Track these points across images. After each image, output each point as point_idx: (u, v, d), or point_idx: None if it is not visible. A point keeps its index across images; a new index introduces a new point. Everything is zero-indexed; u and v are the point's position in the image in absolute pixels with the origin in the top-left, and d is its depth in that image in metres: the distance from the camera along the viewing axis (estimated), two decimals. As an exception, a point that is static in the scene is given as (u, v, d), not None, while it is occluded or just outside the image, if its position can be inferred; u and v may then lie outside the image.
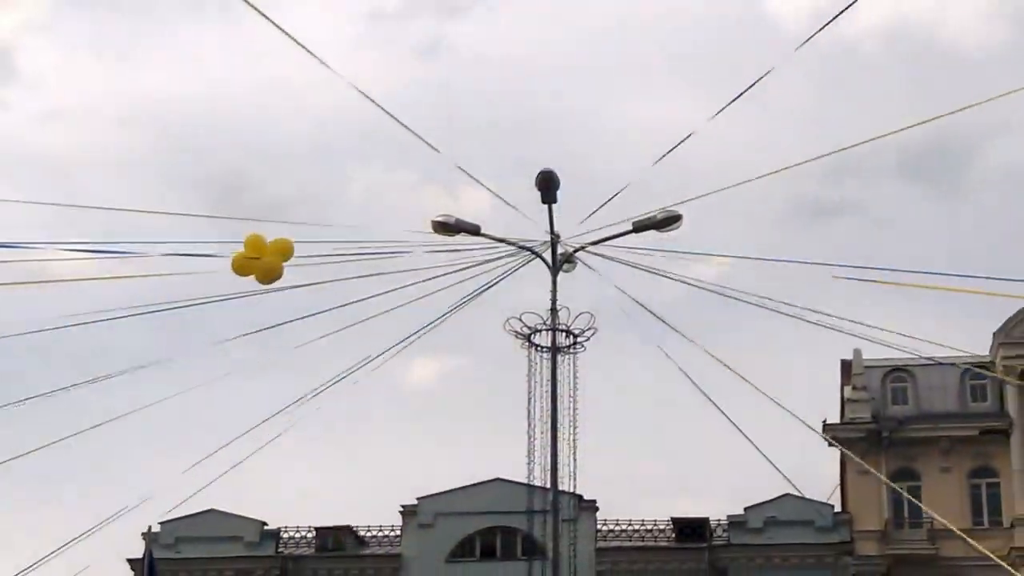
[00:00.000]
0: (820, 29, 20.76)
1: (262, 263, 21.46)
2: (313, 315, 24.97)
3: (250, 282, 22.18)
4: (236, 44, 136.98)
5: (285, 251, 21.97)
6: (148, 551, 34.62)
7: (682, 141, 24.17)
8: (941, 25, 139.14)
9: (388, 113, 22.74)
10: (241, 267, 21.70)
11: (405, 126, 23.08)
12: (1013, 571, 56.96)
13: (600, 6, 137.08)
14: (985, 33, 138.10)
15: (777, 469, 28.82)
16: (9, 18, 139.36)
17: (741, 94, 22.68)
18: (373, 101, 22.75)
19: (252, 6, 18.07)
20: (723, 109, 23.17)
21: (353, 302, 24.42)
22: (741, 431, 27.17)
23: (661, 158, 24.43)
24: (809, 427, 37.66)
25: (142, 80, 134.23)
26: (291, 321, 24.95)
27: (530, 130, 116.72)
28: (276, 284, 22.46)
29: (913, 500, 61.28)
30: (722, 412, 26.65)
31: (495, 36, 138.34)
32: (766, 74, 22.43)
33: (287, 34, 20.36)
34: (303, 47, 21.31)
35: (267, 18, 18.89)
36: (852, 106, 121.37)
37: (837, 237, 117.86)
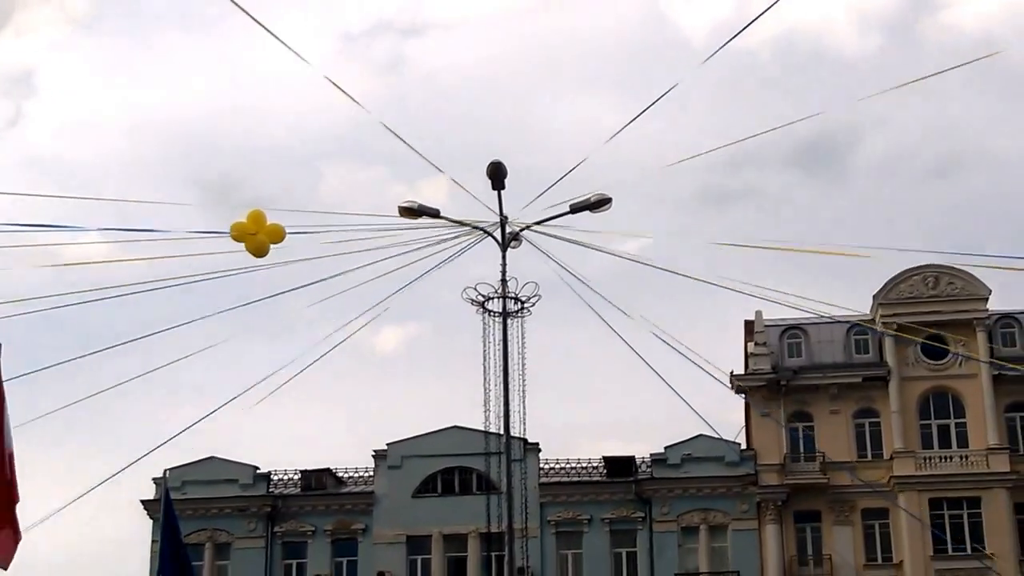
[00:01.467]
0: (722, 46, 21.29)
1: (256, 238, 21.66)
2: (297, 288, 25.14)
3: (244, 260, 22.35)
4: (223, 66, 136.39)
5: (277, 235, 22.20)
6: (165, 491, 34.71)
7: (616, 135, 24.62)
8: (825, 35, 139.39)
9: (367, 111, 23.14)
10: (240, 235, 21.88)
11: (387, 126, 23.48)
12: (895, 492, 57.90)
13: (533, 27, 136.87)
14: (861, 42, 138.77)
15: (695, 411, 29.37)
16: (30, 41, 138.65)
17: (654, 103, 23.25)
18: (353, 99, 23.07)
19: (247, 13, 18.45)
20: (639, 116, 23.72)
21: (330, 277, 24.66)
22: (664, 379, 27.61)
23: (589, 154, 24.89)
24: (717, 379, 38.23)
25: (145, 95, 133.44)
26: (279, 294, 25.14)
27: (479, 130, 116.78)
28: (263, 261, 22.61)
29: (809, 430, 62.11)
30: (648, 364, 27.06)
31: (447, 53, 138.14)
32: (672, 88, 23.01)
33: (281, 40, 20.67)
34: (292, 50, 21.52)
35: (263, 26, 19.18)
36: (750, 106, 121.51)
37: (737, 219, 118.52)
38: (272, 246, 22.04)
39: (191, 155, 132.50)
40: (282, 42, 21.47)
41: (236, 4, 19.56)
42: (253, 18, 20.56)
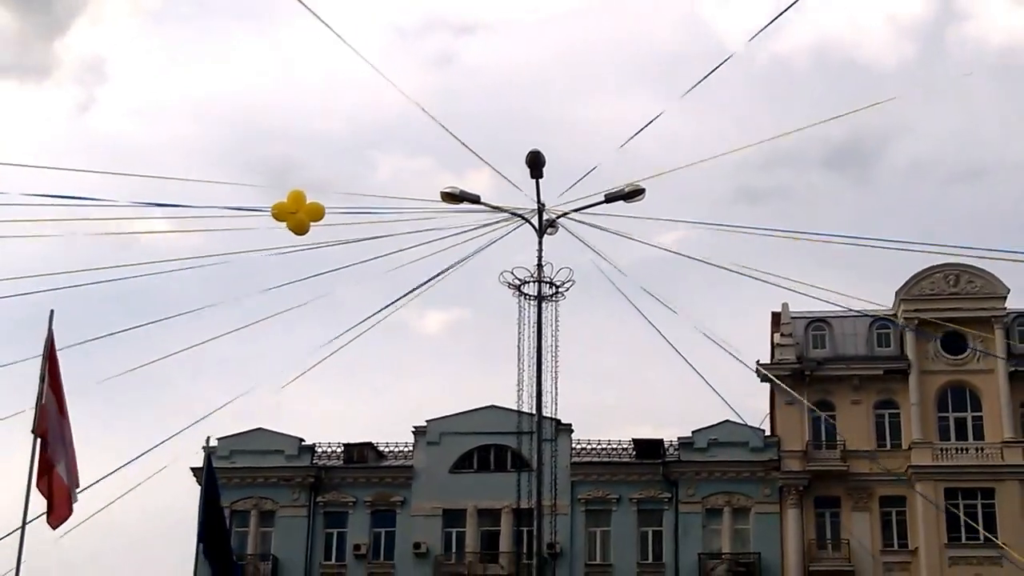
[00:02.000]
0: (752, 38, 20.98)
1: (296, 217, 21.48)
2: (341, 268, 24.99)
3: (297, 240, 22.19)
4: (283, 54, 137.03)
5: (316, 213, 21.99)
6: (207, 458, 34.61)
7: (646, 126, 24.29)
8: (859, 45, 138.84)
9: (419, 105, 22.89)
10: (279, 214, 21.72)
11: (430, 115, 23.23)
12: (913, 481, 57.49)
13: (579, 27, 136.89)
14: (895, 51, 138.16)
15: (721, 398, 29.17)
16: (102, 31, 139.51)
17: (689, 91, 22.94)
18: (404, 93, 23.08)
19: (308, 8, 18.24)
20: (666, 110, 23.48)
21: (373, 258, 24.46)
22: (692, 366, 27.48)
23: (627, 142, 24.60)
24: (746, 365, 37.96)
25: (209, 82, 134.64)
26: (328, 272, 24.98)
27: (523, 125, 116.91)
28: (314, 240, 22.46)
29: (831, 423, 61.73)
30: (677, 351, 26.93)
31: (495, 51, 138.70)
32: (705, 77, 22.74)
33: (339, 35, 20.59)
34: (349, 45, 21.56)
35: (323, 21, 19.09)
36: (785, 110, 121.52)
37: (770, 217, 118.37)
38: (320, 226, 21.83)
39: (252, 141, 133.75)
40: (340, 37, 21.32)
41: (301, 2, 19.33)
42: (313, 13, 20.33)
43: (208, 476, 35.01)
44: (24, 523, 23.90)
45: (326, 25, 20.43)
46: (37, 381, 24.39)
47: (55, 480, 24.17)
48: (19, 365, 24.83)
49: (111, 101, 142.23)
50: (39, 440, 24.02)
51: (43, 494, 24.10)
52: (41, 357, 24.57)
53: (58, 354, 24.89)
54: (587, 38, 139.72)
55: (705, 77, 23.30)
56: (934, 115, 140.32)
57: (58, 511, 24.37)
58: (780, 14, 20.56)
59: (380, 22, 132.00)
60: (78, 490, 24.85)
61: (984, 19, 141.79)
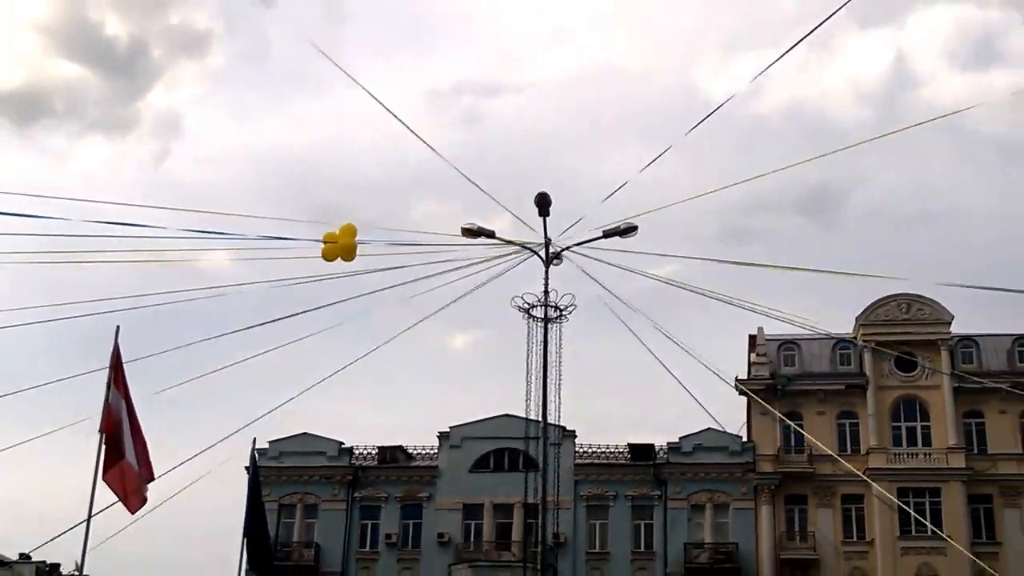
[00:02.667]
0: (721, 105, 21.26)
1: (339, 246, 21.55)
2: (375, 292, 25.19)
3: (338, 267, 22.30)
4: (332, 113, 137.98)
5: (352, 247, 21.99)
6: (253, 455, 34.89)
7: (647, 166, 24.50)
8: (826, 105, 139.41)
9: (449, 162, 23.19)
10: (331, 239, 21.77)
11: (457, 169, 23.54)
12: (869, 481, 57.52)
13: (587, 90, 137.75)
14: (856, 112, 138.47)
15: (704, 409, 29.43)
16: (176, 93, 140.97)
17: (666, 149, 23.24)
18: (434, 150, 23.29)
19: (352, 78, 18.68)
20: (656, 159, 23.79)
21: (404, 283, 24.69)
22: (679, 381, 27.71)
23: (616, 190, 24.87)
24: (726, 381, 38.22)
25: (267, 136, 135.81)
26: (362, 295, 25.16)
27: (538, 174, 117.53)
28: (355, 269, 22.59)
29: (799, 431, 61.72)
30: (667, 368, 27.15)
31: (516, 111, 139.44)
32: (687, 134, 23.10)
33: (379, 101, 20.97)
34: (388, 110, 21.86)
35: (366, 90, 19.46)
36: (762, 162, 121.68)
37: (749, 254, 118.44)
38: (361, 255, 21.96)
39: (303, 186, 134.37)
40: (380, 102, 21.67)
41: (343, 71, 19.73)
42: (357, 83, 20.75)
43: (253, 471, 35.28)
44: (90, 514, 24.07)
45: (368, 93, 20.87)
46: (104, 387, 24.66)
47: (127, 473, 24.37)
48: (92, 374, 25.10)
49: (183, 152, 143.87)
50: (105, 437, 24.24)
51: (113, 487, 24.29)
52: (108, 366, 24.86)
53: (126, 366, 25.15)
54: (593, 100, 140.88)
55: (694, 128, 23.61)
56: (890, 167, 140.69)
57: (132, 500, 24.59)
58: (756, 76, 20.92)
59: (417, 87, 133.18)
60: (151, 483, 25.08)
61: (934, 85, 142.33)
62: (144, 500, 24.93)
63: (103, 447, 24.25)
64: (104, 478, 24.25)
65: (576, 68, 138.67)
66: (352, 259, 21.77)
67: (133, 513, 24.85)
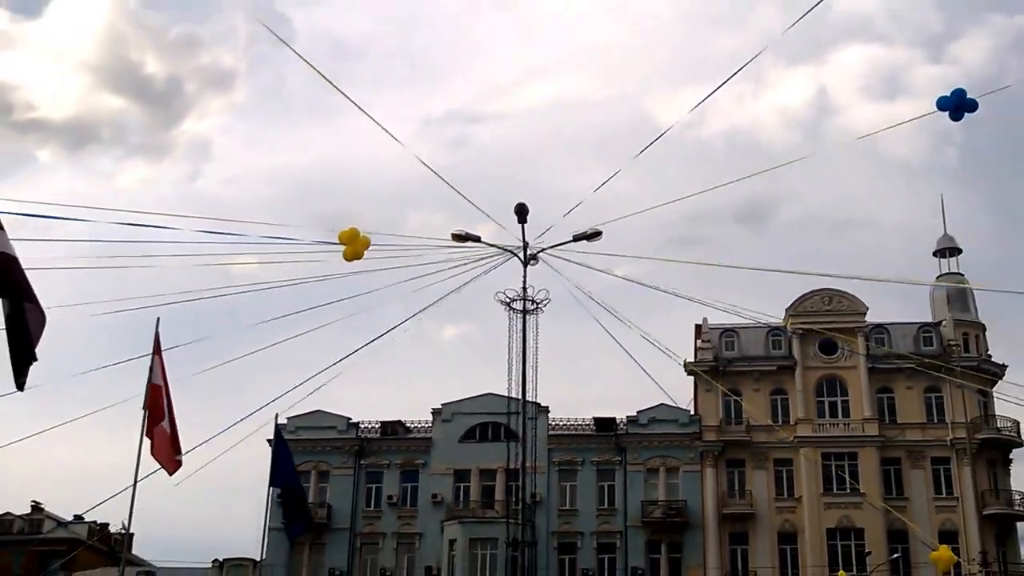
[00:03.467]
0: (666, 131, 21.12)
1: (353, 248, 21.04)
2: (378, 289, 24.91)
3: (345, 267, 21.87)
4: (340, 136, 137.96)
5: (366, 244, 21.49)
6: (276, 426, 34.62)
7: (607, 180, 24.33)
8: (759, 131, 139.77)
9: (442, 178, 22.93)
10: (344, 238, 21.23)
11: (447, 183, 23.30)
12: (798, 447, 57.44)
13: (556, 118, 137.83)
14: (784, 134, 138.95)
15: (659, 387, 29.55)
16: (206, 122, 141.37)
17: (617, 172, 23.09)
18: (432, 169, 23.02)
19: (359, 107, 18.47)
20: (615, 174, 23.62)
21: (403, 281, 24.42)
22: (638, 363, 27.64)
23: (571, 209, 24.66)
24: (677, 362, 38.24)
25: (284, 157, 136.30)
26: (366, 293, 24.87)
27: (514, 185, 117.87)
28: (359, 269, 22.18)
29: (738, 405, 61.68)
30: (627, 352, 27.02)
31: (497, 136, 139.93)
32: (635, 157, 22.97)
33: (383, 127, 20.66)
34: (390, 134, 21.56)
35: (371, 116, 19.22)
36: (706, 179, 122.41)
37: (696, 258, 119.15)
38: (366, 258, 21.55)
39: (312, 199, 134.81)
40: (381, 126, 21.40)
41: (350, 99, 19.45)
42: (362, 109, 20.44)
43: (278, 439, 35.06)
44: (136, 478, 23.90)
45: (371, 118, 20.55)
46: (147, 371, 24.52)
47: (164, 443, 24.22)
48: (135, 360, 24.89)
49: (212, 172, 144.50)
50: (147, 413, 24.12)
51: (155, 455, 24.13)
52: (151, 352, 24.73)
53: (165, 354, 24.99)
54: (562, 126, 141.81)
55: (645, 149, 23.45)
56: (813, 184, 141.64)
57: (169, 465, 24.44)
58: (698, 104, 20.72)
59: (413, 116, 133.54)
60: (181, 455, 24.87)
61: (849, 113, 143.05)
62: (179, 465, 24.73)
63: (146, 423, 24.10)
64: (151, 451, 24.11)
65: (547, 100, 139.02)
66: (359, 257, 21.31)
67: (172, 475, 24.66)
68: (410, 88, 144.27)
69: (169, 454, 24.40)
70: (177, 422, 25.00)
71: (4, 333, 13.85)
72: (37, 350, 15.26)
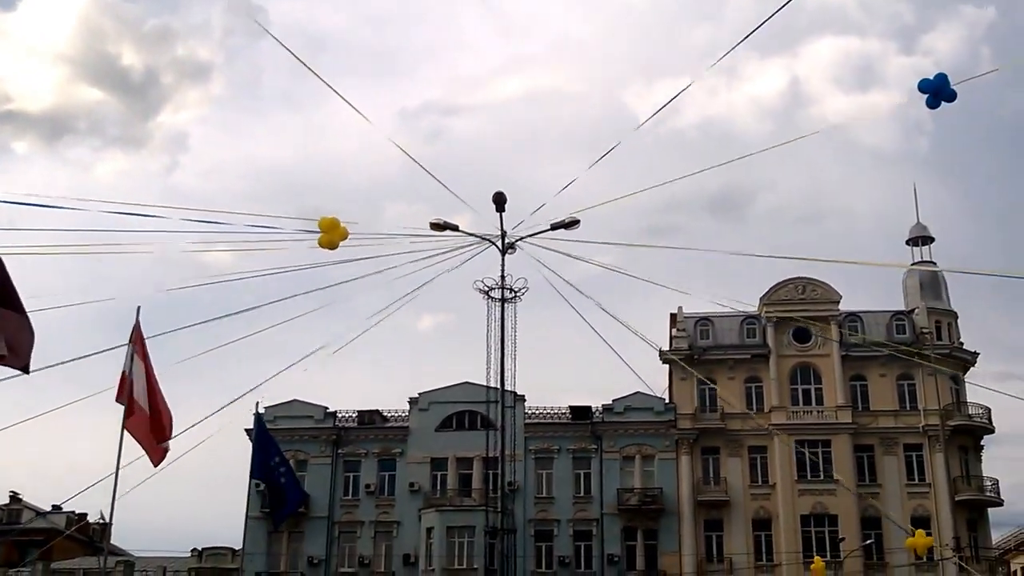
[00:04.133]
0: (649, 118, 21.04)
1: (330, 237, 20.78)
2: (360, 278, 24.75)
3: (319, 255, 21.61)
4: (316, 129, 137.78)
5: (342, 234, 21.25)
6: (257, 415, 34.43)
7: (565, 187, 24.26)
8: (733, 121, 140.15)
9: (420, 165, 22.79)
10: (323, 226, 20.95)
11: (426, 170, 23.15)
12: (772, 434, 57.69)
13: (531, 110, 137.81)
14: (757, 124, 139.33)
15: (636, 374, 29.80)
16: (182, 114, 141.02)
17: (602, 157, 23.00)
18: (412, 157, 22.87)
19: (340, 96, 18.32)
20: (595, 163, 23.51)
21: (381, 271, 24.28)
22: (615, 351, 27.57)
23: (538, 208, 24.54)
24: (655, 348, 38.29)
25: (260, 149, 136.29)
26: (347, 281, 24.71)
27: (491, 178, 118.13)
28: (337, 259, 21.96)
29: (713, 393, 61.84)
30: (604, 340, 26.87)
31: (471, 128, 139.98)
32: (615, 146, 22.86)
33: (364, 116, 20.55)
34: (371, 123, 21.37)
35: (353, 106, 19.14)
36: (680, 168, 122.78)
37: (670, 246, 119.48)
38: (343, 247, 21.36)
39: (291, 191, 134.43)
40: (361, 114, 21.26)
41: (333, 89, 19.31)
42: (342, 96, 20.28)
43: (259, 427, 34.91)
44: (118, 468, 23.67)
45: (352, 106, 20.37)
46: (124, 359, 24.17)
47: (146, 431, 23.97)
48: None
49: (189, 164, 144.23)
50: (129, 402, 23.83)
51: (139, 442, 23.86)
52: (129, 341, 24.42)
53: (147, 342, 24.70)
54: (537, 118, 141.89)
55: (618, 144, 23.39)
56: (787, 173, 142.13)
57: (154, 454, 24.20)
58: (673, 98, 20.65)
59: (389, 108, 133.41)
60: (168, 443, 24.63)
61: (823, 104, 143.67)
62: (164, 454, 24.50)
63: (124, 413, 23.84)
64: (136, 436, 23.85)
65: (522, 92, 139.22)
66: (336, 247, 21.11)
67: (156, 465, 24.43)
68: (386, 80, 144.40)
69: (151, 443, 24.13)
70: (164, 410, 24.66)
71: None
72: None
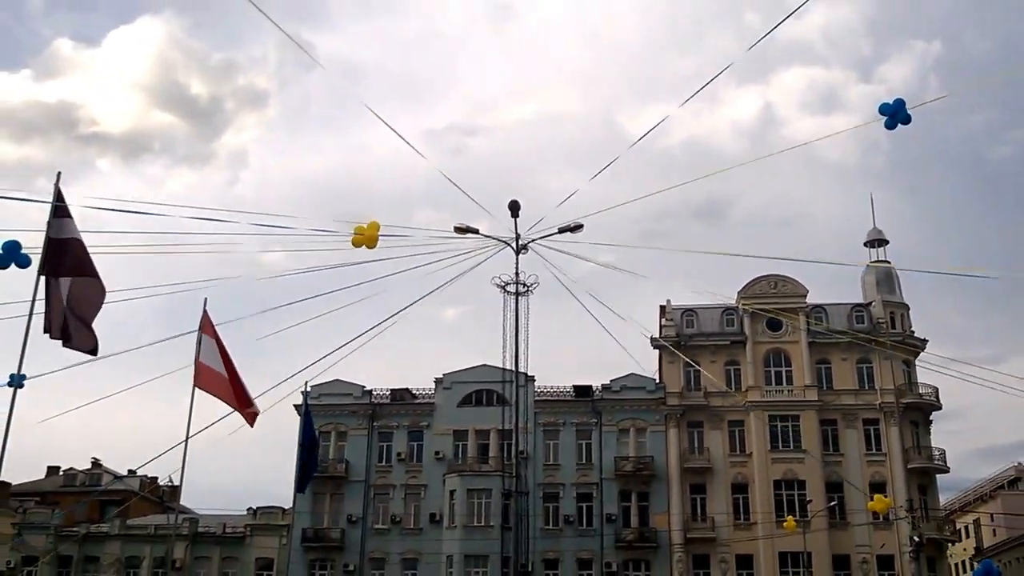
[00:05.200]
0: (642, 137, 21.02)
1: (367, 235, 20.72)
2: (391, 275, 24.76)
3: (359, 254, 21.55)
4: (354, 147, 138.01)
5: (375, 235, 21.17)
6: (304, 396, 34.54)
7: (593, 177, 24.27)
8: (714, 138, 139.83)
9: (448, 178, 22.83)
10: (360, 231, 20.94)
11: (453, 182, 23.18)
12: (748, 410, 57.48)
13: (542, 130, 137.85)
14: (735, 143, 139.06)
15: (632, 357, 29.60)
16: (242, 135, 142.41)
17: (601, 171, 22.98)
18: (442, 172, 23.05)
19: (383, 121, 18.29)
20: (595, 176, 23.54)
21: (411, 268, 24.30)
22: (614, 337, 27.93)
23: (538, 220, 24.56)
24: (647, 336, 38.28)
25: (308, 165, 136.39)
26: (383, 277, 24.74)
27: (507, 187, 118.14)
28: (375, 257, 21.90)
29: (700, 370, 61.78)
30: (605, 328, 26.99)
31: (490, 145, 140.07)
32: (613, 161, 22.91)
33: (400, 136, 20.53)
34: (407, 142, 21.46)
35: (390, 126, 19.16)
36: (669, 180, 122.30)
37: (662, 249, 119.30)
38: (380, 247, 21.30)
39: (332, 199, 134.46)
40: (397, 133, 21.21)
41: (377, 116, 19.31)
42: (388, 124, 20.31)
43: (305, 408, 35.03)
44: (187, 438, 23.76)
45: (393, 130, 20.30)
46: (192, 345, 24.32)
47: (231, 400, 24.09)
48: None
49: (248, 178, 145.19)
50: (202, 379, 23.95)
51: (236, 409, 23.93)
52: (198, 328, 24.56)
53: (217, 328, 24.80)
54: (544, 136, 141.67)
55: (615, 160, 23.41)
56: (760, 186, 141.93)
57: (248, 418, 24.33)
58: (662, 120, 20.69)
59: (418, 128, 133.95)
60: (253, 407, 24.64)
61: (792, 125, 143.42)
62: (255, 417, 24.57)
63: (194, 388, 23.97)
64: (229, 403, 23.97)
65: (531, 114, 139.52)
66: (374, 247, 21.13)
67: (252, 426, 24.49)
68: (414, 104, 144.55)
69: (241, 407, 24.28)
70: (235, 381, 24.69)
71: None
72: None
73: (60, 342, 16.88)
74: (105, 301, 17.31)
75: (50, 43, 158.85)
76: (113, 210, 18.15)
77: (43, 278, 16.72)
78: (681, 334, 63.18)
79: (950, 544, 62.99)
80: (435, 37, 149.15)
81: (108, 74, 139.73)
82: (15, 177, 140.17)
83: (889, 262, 65.05)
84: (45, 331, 16.66)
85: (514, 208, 24.34)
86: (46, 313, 16.73)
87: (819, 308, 63.52)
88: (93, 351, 16.98)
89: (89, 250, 17.30)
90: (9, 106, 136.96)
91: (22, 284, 16.93)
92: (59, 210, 17.28)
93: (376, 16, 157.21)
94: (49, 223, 17.25)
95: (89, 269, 16.49)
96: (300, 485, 37.58)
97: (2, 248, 15.74)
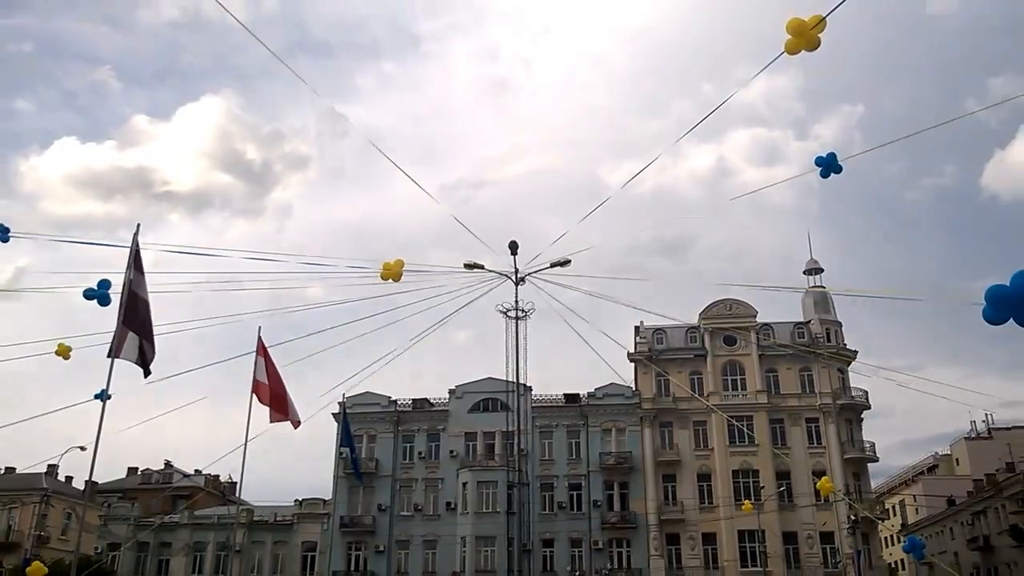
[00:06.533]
0: (623, 186, 20.99)
1: (392, 272, 20.64)
2: (407, 305, 24.65)
3: (386, 287, 21.42)
4: (378, 196, 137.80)
5: (399, 269, 21.10)
6: (343, 406, 34.44)
7: (580, 222, 24.24)
8: (677, 186, 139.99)
9: (461, 223, 22.85)
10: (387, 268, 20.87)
11: (465, 227, 23.18)
12: (712, 411, 57.12)
13: (535, 181, 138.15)
14: (694, 190, 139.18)
15: (613, 370, 29.38)
16: (289, 192, 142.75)
17: (587, 216, 22.96)
18: (457, 219, 23.10)
19: (411, 179, 18.34)
20: (582, 220, 23.55)
21: (429, 298, 24.23)
22: (598, 353, 27.75)
23: (535, 258, 24.68)
24: (625, 349, 38.06)
25: (341, 215, 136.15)
26: (405, 306, 24.64)
27: (508, 231, 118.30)
28: (396, 290, 21.83)
29: (669, 379, 61.45)
30: (590, 346, 27.23)
31: (492, 196, 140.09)
32: (596, 208, 22.86)
33: (424, 190, 20.52)
34: (423, 189, 21.33)
35: (416, 182, 19.25)
36: (639, 223, 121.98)
37: (634, 282, 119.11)
38: (404, 281, 21.20)
39: (360, 241, 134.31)
40: (423, 189, 21.48)
41: (406, 174, 19.26)
42: (415, 181, 20.40)
43: (344, 417, 34.86)
44: (246, 441, 23.69)
45: (419, 186, 20.44)
46: (250, 366, 24.28)
47: (283, 412, 24.11)
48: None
49: (293, 226, 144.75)
50: (258, 396, 23.93)
51: (283, 415, 24.00)
52: (255, 350, 24.50)
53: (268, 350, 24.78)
54: (537, 188, 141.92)
55: (598, 208, 23.38)
56: (716, 226, 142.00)
57: (294, 424, 24.33)
58: (636, 175, 20.63)
59: (432, 182, 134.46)
60: (298, 417, 24.62)
61: (741, 175, 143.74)
62: (299, 423, 24.63)
63: (252, 402, 23.98)
64: (272, 420, 24.08)
65: (524, 170, 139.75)
66: (399, 280, 21.09)
67: (296, 429, 24.53)
68: (429, 163, 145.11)
69: (286, 416, 24.35)
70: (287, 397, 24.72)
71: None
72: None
73: (130, 361, 16.80)
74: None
75: (129, 119, 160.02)
76: (184, 253, 18.21)
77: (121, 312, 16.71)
78: (653, 349, 62.94)
79: (880, 521, 62.47)
80: (446, 108, 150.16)
81: (178, 143, 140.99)
82: (102, 229, 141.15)
83: (824, 287, 64.97)
84: (109, 355, 16.57)
85: (513, 247, 24.36)
86: (118, 340, 16.66)
87: (767, 326, 63.32)
88: (147, 371, 17.03)
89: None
90: (97, 171, 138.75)
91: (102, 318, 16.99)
92: (137, 262, 17.33)
93: (397, 91, 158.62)
94: (128, 266, 17.26)
95: (148, 333, 16.79)
96: (358, 476, 37.71)
97: (98, 286, 16.98)
